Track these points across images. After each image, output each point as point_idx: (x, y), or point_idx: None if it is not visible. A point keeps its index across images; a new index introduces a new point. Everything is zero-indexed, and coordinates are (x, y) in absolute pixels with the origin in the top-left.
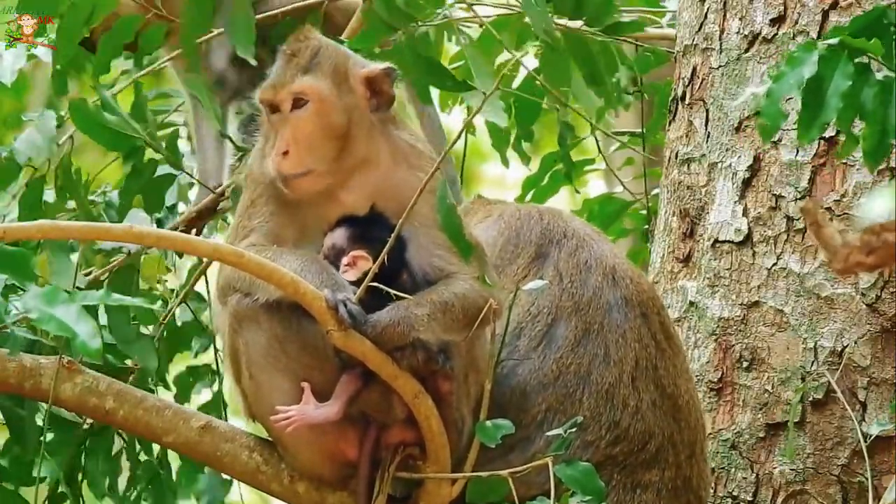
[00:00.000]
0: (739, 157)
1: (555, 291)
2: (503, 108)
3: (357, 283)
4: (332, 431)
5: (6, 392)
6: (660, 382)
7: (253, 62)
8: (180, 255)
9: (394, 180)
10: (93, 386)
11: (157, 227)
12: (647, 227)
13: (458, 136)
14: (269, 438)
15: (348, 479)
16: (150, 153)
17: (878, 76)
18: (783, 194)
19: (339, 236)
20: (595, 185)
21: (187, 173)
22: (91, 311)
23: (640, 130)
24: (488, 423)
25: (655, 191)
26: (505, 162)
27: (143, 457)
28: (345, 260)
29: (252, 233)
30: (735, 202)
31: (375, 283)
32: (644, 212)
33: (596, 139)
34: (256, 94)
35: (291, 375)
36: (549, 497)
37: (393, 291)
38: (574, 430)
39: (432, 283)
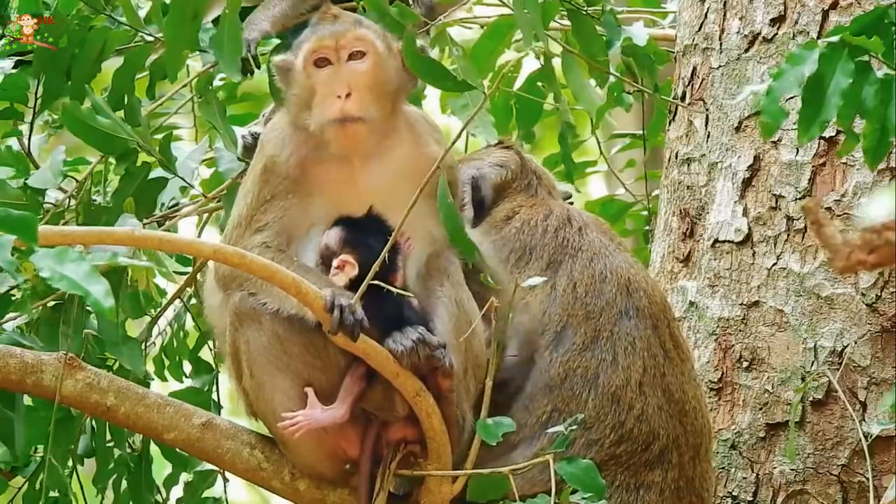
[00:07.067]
0: (739, 157)
1: (568, 300)
2: (491, 121)
3: (349, 288)
4: (333, 430)
5: (8, 388)
6: (667, 388)
7: (237, 79)
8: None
9: (424, 157)
10: (94, 382)
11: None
12: (647, 227)
13: (458, 137)
14: (271, 436)
15: (349, 476)
16: (144, 157)
17: (879, 74)
18: (783, 194)
19: (331, 238)
20: (596, 187)
21: (180, 177)
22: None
23: (640, 132)
24: (489, 420)
25: (656, 192)
26: None
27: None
28: (335, 263)
29: (266, 227)
30: (735, 202)
31: (376, 281)
32: (645, 213)
33: (597, 140)
34: (302, 50)
35: (293, 374)
36: (550, 494)
37: (395, 290)
38: (575, 427)
39: None
